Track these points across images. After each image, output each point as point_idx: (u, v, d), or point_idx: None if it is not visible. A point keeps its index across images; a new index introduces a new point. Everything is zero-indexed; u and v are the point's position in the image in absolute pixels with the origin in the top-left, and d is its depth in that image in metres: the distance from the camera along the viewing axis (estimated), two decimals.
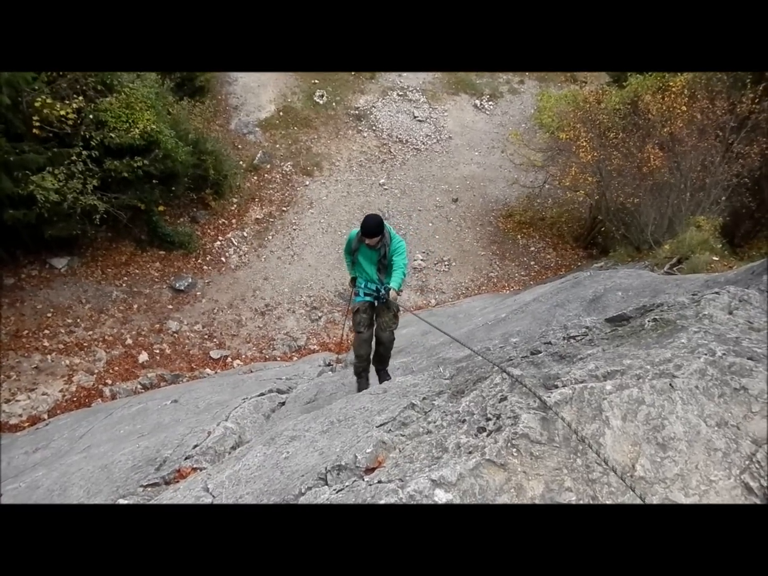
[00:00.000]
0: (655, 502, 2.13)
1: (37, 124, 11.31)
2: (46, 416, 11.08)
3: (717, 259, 10.10)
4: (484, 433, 2.50)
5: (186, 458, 5.51)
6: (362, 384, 5.90)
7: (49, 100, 11.28)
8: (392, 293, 5.14)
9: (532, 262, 17.45)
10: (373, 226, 4.95)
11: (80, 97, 11.85)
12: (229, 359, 13.34)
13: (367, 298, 5.36)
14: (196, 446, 5.72)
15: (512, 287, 16.30)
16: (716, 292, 3.86)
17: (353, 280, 5.59)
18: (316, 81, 20.84)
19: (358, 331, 5.49)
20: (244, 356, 13.51)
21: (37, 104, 11.17)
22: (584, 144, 14.73)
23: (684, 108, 13.54)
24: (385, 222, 5.13)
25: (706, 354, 2.69)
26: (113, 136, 12.20)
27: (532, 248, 17.86)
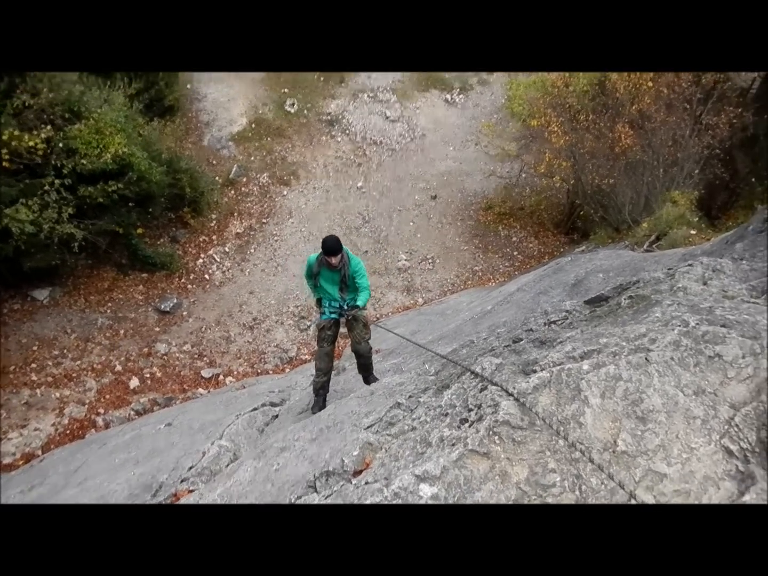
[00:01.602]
0: (637, 477, 2.14)
1: (7, 157, 11.19)
2: (40, 452, 10.95)
3: (695, 232, 10.19)
4: (467, 424, 2.50)
5: (182, 481, 5.47)
6: (319, 403, 5.90)
7: (16, 132, 11.16)
8: (360, 311, 5.46)
9: (515, 252, 17.52)
10: (334, 244, 5.16)
11: (48, 127, 11.74)
12: (221, 377, 13.27)
13: (333, 316, 5.57)
14: (191, 468, 5.68)
15: (497, 279, 16.36)
16: (689, 264, 3.89)
17: (318, 301, 5.77)
18: (286, 90, 20.81)
19: (321, 346, 5.72)
20: (235, 372, 13.44)
21: (4, 137, 11.05)
22: (556, 129, 14.83)
23: (650, 84, 13.68)
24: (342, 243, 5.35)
25: (679, 325, 2.71)
26: (85, 162, 12.10)
27: (514, 238, 17.93)
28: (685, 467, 2.18)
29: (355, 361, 6.15)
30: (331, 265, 5.28)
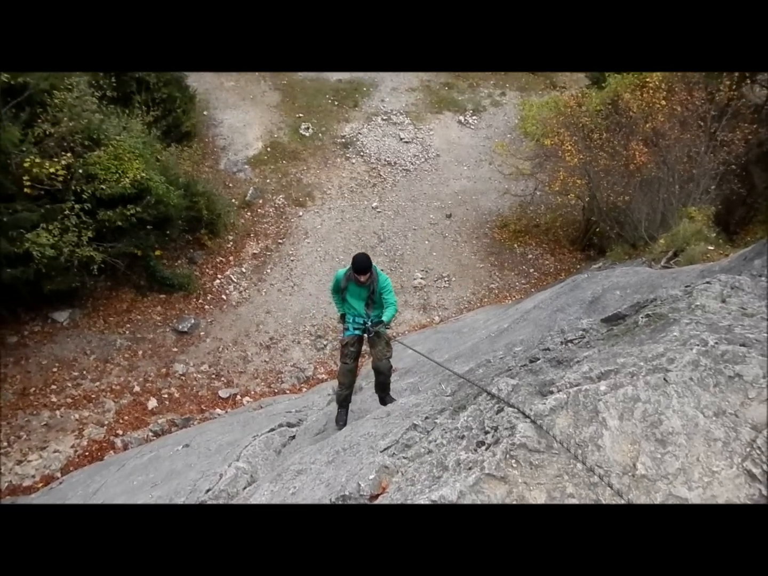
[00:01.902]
0: (657, 501, 2.11)
1: (28, 183, 11.47)
2: (59, 474, 11.03)
3: (712, 248, 10.09)
4: (483, 447, 2.48)
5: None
6: (342, 415, 6.10)
7: (37, 159, 11.45)
8: (384, 328, 5.49)
9: (531, 270, 17.45)
10: (364, 262, 5.25)
11: (68, 154, 12.03)
12: (239, 397, 13.30)
13: (356, 332, 5.63)
14: (208, 491, 5.68)
15: (513, 296, 16.28)
16: (708, 282, 3.85)
17: (342, 317, 5.82)
18: (301, 114, 21.10)
19: (344, 362, 5.79)
20: (253, 392, 13.47)
21: (26, 164, 11.34)
22: (569, 148, 14.84)
23: (663, 102, 13.66)
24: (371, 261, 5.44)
25: (698, 344, 2.67)
26: (104, 187, 12.36)
27: (530, 256, 17.88)
28: (706, 491, 2.14)
29: (373, 379, 6.21)
30: (359, 281, 5.35)
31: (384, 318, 5.43)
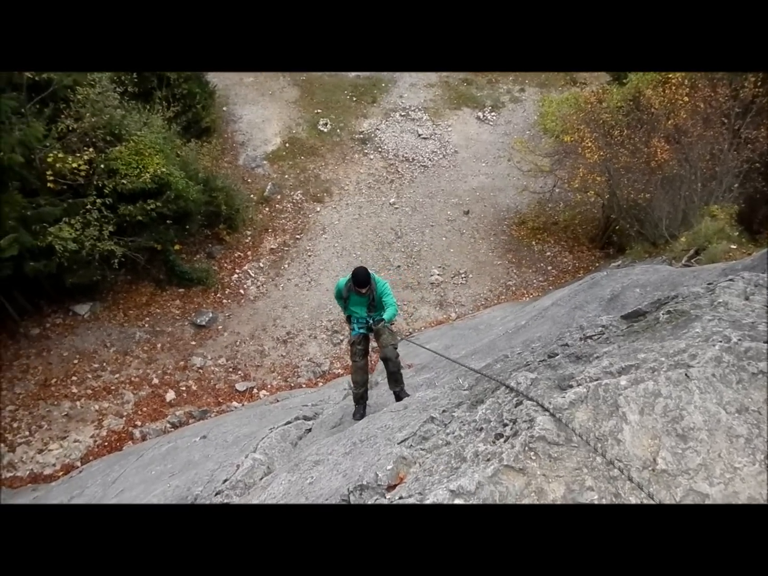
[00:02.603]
0: (678, 496, 2.10)
1: (51, 178, 11.66)
2: (79, 463, 11.21)
3: (735, 247, 9.95)
4: (502, 439, 2.48)
5: (216, 494, 5.53)
6: (359, 411, 6.33)
7: (60, 155, 11.63)
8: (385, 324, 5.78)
9: (549, 267, 17.34)
10: (363, 277, 5.61)
11: (90, 149, 12.20)
12: (255, 390, 13.40)
13: (361, 331, 6.02)
14: (225, 480, 5.74)
15: (531, 294, 16.19)
16: (730, 279, 3.80)
17: (348, 318, 6.21)
18: (319, 110, 21.15)
19: (354, 360, 6.14)
20: (269, 386, 13.56)
21: (49, 159, 11.52)
22: (589, 144, 14.69)
23: (686, 99, 13.47)
24: (370, 271, 5.78)
25: (721, 341, 2.64)
26: (125, 182, 12.51)
27: (548, 253, 17.76)
28: (728, 488, 2.12)
29: (386, 375, 6.29)
30: (360, 293, 5.73)
31: (385, 317, 5.71)
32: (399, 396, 6.10)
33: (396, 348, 5.98)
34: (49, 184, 11.69)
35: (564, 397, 2.47)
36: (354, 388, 6.33)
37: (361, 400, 6.35)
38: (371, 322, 5.87)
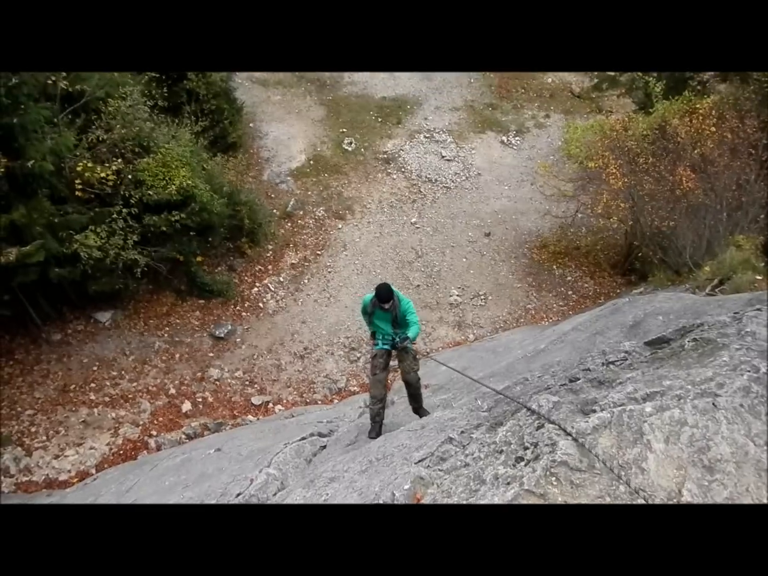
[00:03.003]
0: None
1: (80, 186, 11.88)
2: (93, 471, 11.26)
3: (761, 278, 9.77)
4: (522, 463, 2.44)
5: None
6: (375, 429, 6.34)
7: (90, 164, 11.86)
8: (410, 343, 6.03)
9: (570, 292, 17.19)
10: (386, 293, 5.85)
11: (119, 160, 12.42)
12: (271, 405, 13.39)
13: (385, 346, 6.22)
14: (239, 494, 5.72)
15: (551, 318, 16.05)
16: (758, 309, 3.74)
17: (373, 334, 6.41)
18: (344, 130, 21.36)
19: (374, 373, 6.28)
20: (285, 401, 13.55)
21: (79, 168, 11.76)
22: (614, 171, 14.61)
23: (713, 129, 13.38)
24: (393, 288, 6.05)
25: (749, 371, 2.60)
26: (151, 193, 12.70)
27: (569, 278, 17.62)
28: None
29: (405, 392, 6.52)
30: (383, 308, 5.95)
31: (410, 335, 5.96)
32: (418, 412, 6.32)
33: (417, 371, 6.22)
34: (77, 193, 11.90)
35: (587, 421, 2.44)
36: (371, 403, 6.41)
37: (377, 417, 6.38)
38: (397, 339, 6.05)
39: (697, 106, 13.99)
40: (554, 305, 16.73)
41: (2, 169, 10.25)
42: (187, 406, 12.96)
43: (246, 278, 16.40)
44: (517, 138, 22.04)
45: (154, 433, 12.24)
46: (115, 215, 12.31)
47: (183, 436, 12.07)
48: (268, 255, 17.11)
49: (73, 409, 12.41)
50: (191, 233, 13.94)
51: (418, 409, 6.40)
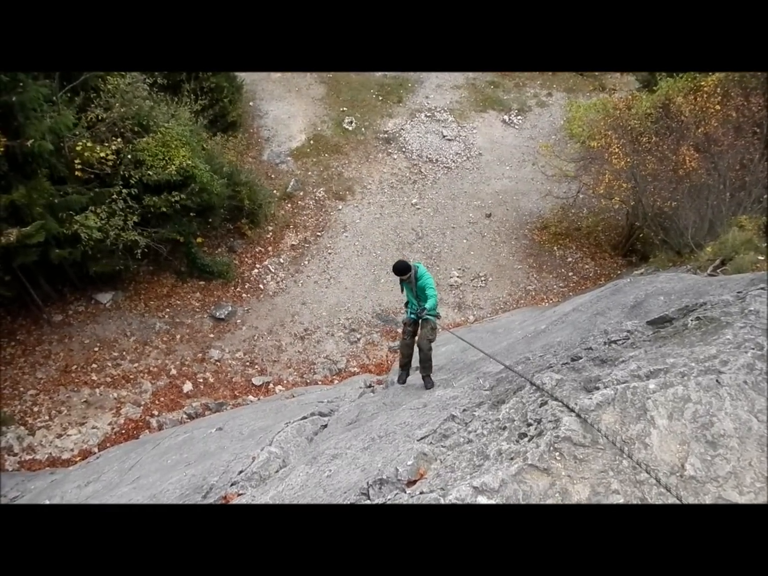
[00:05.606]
0: (706, 503, 2.05)
1: (79, 166, 11.79)
2: (96, 449, 11.34)
3: (762, 258, 9.74)
4: (526, 439, 2.45)
5: (231, 484, 5.54)
6: (403, 375, 7.46)
7: (89, 144, 11.76)
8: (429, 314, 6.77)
9: (570, 273, 17.17)
10: (399, 269, 6.66)
11: (119, 139, 12.32)
12: (271, 385, 13.45)
13: (412, 316, 7.01)
14: (241, 472, 5.75)
15: (551, 299, 16.06)
16: (762, 288, 3.73)
17: (406, 304, 7.24)
18: (345, 109, 21.19)
19: (404, 338, 7.23)
20: (285, 381, 13.60)
21: (78, 148, 11.65)
22: (616, 150, 14.51)
23: (718, 107, 13.25)
24: (413, 262, 6.92)
25: (753, 348, 2.59)
26: (151, 173, 12.62)
27: (570, 259, 17.59)
28: (758, 497, 2.07)
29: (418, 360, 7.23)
30: (403, 280, 6.80)
31: (427, 306, 6.66)
32: (425, 381, 7.00)
33: (431, 342, 6.92)
34: (76, 173, 11.82)
35: (590, 398, 2.44)
36: (401, 357, 7.40)
37: (406, 366, 7.36)
38: (418, 310, 6.79)
39: (702, 83, 13.85)
40: (555, 286, 16.73)
41: (2, 149, 10.16)
42: (188, 386, 13.01)
43: (246, 259, 16.38)
44: (518, 117, 21.87)
45: (155, 412, 12.31)
46: (115, 195, 12.25)
47: (184, 416, 12.14)
48: (269, 236, 17.06)
49: (75, 389, 12.46)
50: (191, 214, 13.89)
51: (425, 377, 7.02)
